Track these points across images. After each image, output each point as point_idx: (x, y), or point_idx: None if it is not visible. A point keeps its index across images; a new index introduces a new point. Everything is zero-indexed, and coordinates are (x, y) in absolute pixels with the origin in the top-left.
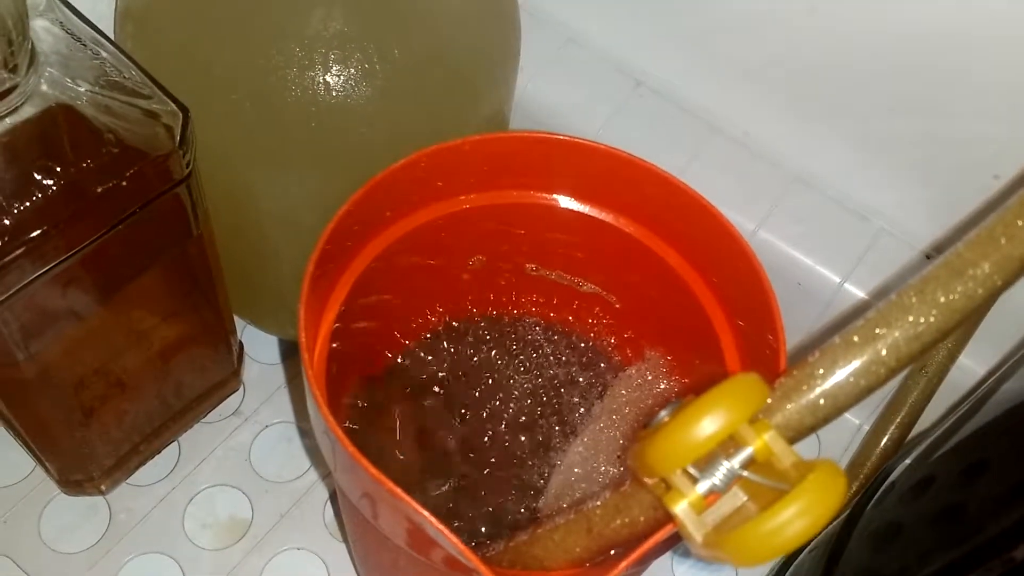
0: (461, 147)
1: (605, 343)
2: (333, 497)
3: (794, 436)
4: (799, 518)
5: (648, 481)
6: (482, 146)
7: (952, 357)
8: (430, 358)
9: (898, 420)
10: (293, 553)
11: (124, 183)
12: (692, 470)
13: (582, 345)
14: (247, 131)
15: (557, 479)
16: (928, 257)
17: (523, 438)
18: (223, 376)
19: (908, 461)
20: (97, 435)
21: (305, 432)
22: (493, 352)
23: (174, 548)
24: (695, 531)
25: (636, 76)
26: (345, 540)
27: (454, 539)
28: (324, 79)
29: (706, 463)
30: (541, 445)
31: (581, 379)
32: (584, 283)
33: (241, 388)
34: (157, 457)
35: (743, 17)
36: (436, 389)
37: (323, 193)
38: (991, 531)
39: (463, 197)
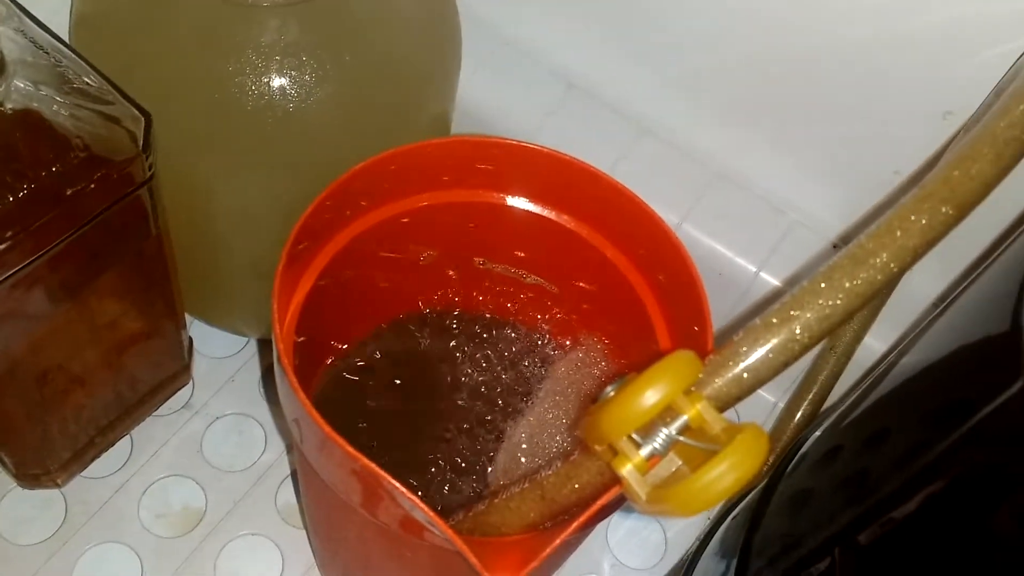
0: (425, 148)
1: (548, 330)
2: (286, 483)
3: (722, 406)
4: (730, 472)
5: (597, 449)
6: (443, 148)
7: (858, 338)
8: (387, 348)
9: (810, 397)
10: (247, 539)
11: (92, 187)
12: (636, 437)
13: (527, 333)
14: (203, 135)
15: (505, 457)
16: (835, 247)
17: (475, 421)
18: (175, 370)
19: (818, 433)
20: (56, 429)
21: (257, 421)
22: (446, 341)
23: (130, 538)
24: (640, 490)
25: (569, 78)
26: (299, 525)
27: (424, 508)
28: (279, 85)
29: (647, 431)
30: (491, 427)
31: (526, 363)
32: (528, 275)
33: (191, 382)
34: (111, 450)
35: (670, 24)
36: (393, 378)
37: (277, 194)
38: (889, 489)
39: (425, 195)
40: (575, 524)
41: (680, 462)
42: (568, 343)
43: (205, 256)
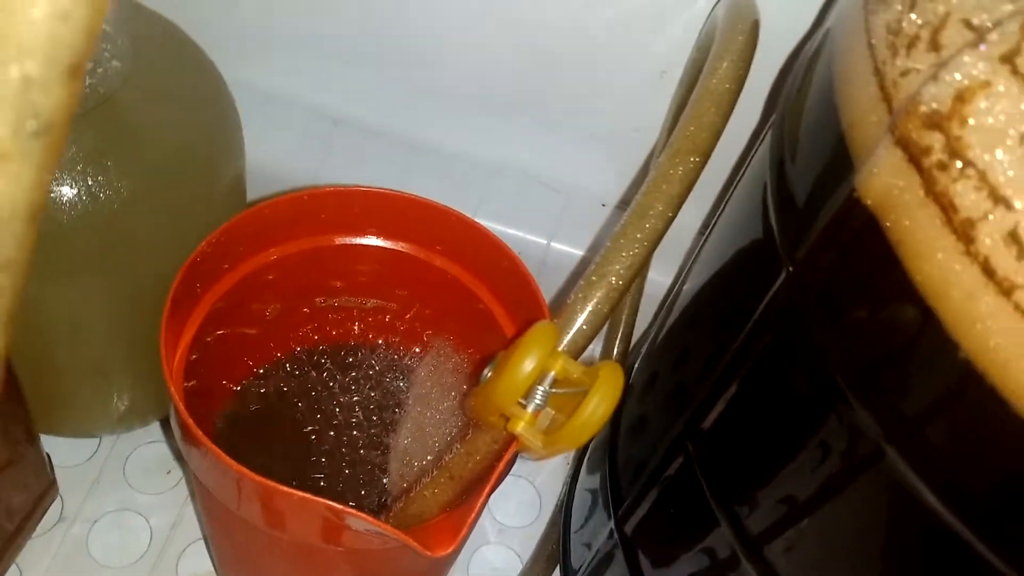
0: (262, 210)
1: (399, 342)
2: (185, 554)
3: (575, 356)
4: (602, 402)
5: (491, 420)
6: (271, 208)
7: (644, 276)
8: (271, 387)
9: (619, 336)
10: None
11: None
12: (521, 400)
13: (384, 350)
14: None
15: (397, 464)
16: (617, 208)
17: (360, 441)
18: (42, 489)
19: (637, 364)
20: None
21: (134, 511)
22: (320, 374)
23: None
24: (535, 439)
25: (334, 115)
26: None
27: (359, 514)
28: (70, 196)
29: (527, 393)
30: (376, 442)
31: (388, 377)
32: (368, 300)
33: (59, 495)
34: None
35: (414, 43)
36: (280, 415)
37: (99, 298)
38: (704, 393)
39: (272, 249)
40: (488, 487)
41: (554, 412)
42: (419, 349)
43: (41, 370)
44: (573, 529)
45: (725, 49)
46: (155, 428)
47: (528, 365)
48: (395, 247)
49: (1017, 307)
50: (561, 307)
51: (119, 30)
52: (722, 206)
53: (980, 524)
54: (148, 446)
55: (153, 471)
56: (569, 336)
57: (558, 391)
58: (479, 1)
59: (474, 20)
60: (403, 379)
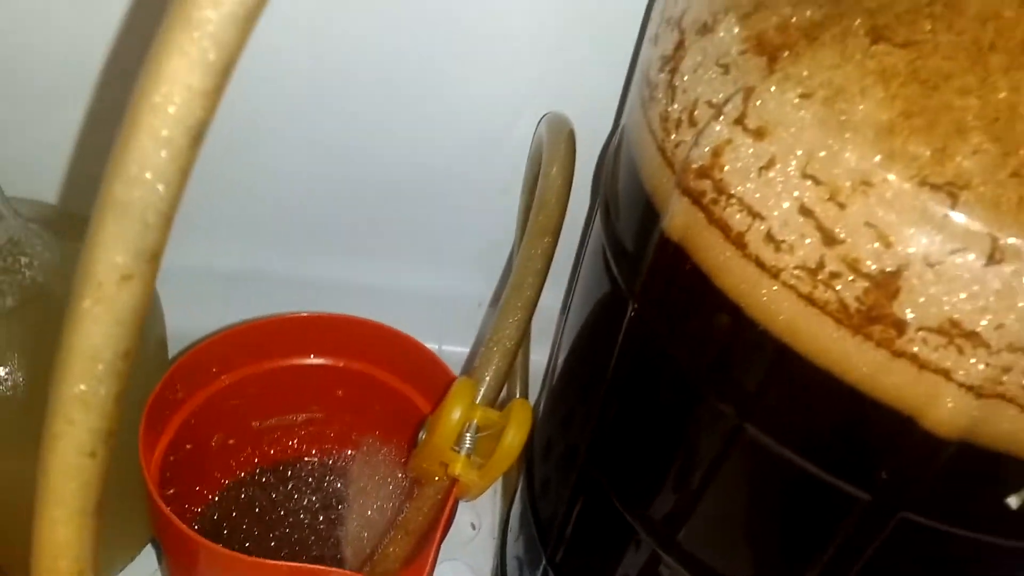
0: (209, 345)
1: (332, 448)
2: None
3: (491, 404)
4: (519, 431)
5: (431, 472)
6: (215, 344)
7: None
8: (230, 503)
9: (518, 381)
10: None
11: None
12: (454, 448)
13: (319, 458)
14: None
15: (351, 551)
16: (491, 305)
17: (315, 542)
18: None
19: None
20: None
21: None
22: (266, 489)
23: None
24: (471, 473)
25: (224, 273)
26: None
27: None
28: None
29: (458, 440)
30: (329, 539)
31: (327, 480)
32: (297, 415)
33: None
34: None
35: (297, 195)
36: (242, 526)
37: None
38: (591, 425)
39: (224, 376)
40: (438, 534)
41: (480, 460)
42: (350, 449)
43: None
44: None
45: (553, 157)
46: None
47: (456, 413)
48: (324, 362)
49: (784, 284)
50: (470, 370)
51: (46, 227)
52: (576, 278)
53: (821, 458)
54: None
55: None
56: (482, 391)
57: (484, 433)
58: (339, 150)
59: (337, 166)
60: (340, 477)
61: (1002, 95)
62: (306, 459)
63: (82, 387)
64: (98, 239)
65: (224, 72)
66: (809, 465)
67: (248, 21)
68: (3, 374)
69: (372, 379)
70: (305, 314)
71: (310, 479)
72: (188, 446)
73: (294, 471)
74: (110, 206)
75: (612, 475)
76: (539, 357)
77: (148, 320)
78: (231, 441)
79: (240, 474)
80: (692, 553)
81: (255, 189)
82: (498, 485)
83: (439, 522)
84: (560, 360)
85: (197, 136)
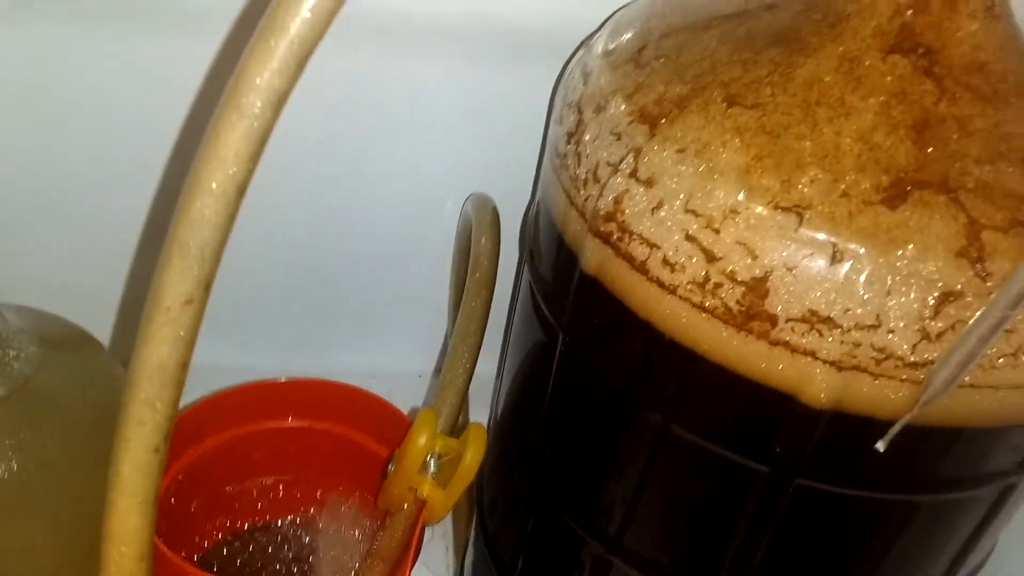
0: (194, 411)
1: (299, 506)
2: None
3: (450, 431)
4: (477, 452)
5: (402, 494)
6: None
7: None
8: (216, 561)
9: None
10: None
11: None
12: (420, 473)
13: (288, 518)
14: None
15: None
16: (433, 375)
17: None
18: None
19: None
20: None
21: None
22: (242, 550)
23: None
24: (438, 493)
25: None
26: None
27: None
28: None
29: (423, 466)
30: None
31: (298, 535)
32: (266, 478)
33: None
34: None
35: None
36: None
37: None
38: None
39: (193, 447)
40: (411, 553)
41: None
42: (316, 507)
43: None
44: None
45: (481, 228)
46: None
47: (423, 439)
48: (295, 424)
49: (681, 297)
50: (429, 407)
51: (34, 326)
52: (508, 336)
53: (729, 441)
54: None
55: None
56: (440, 422)
57: (445, 458)
58: (278, 243)
59: (276, 258)
60: (309, 533)
61: (828, 138)
62: (279, 520)
63: (151, 393)
64: (166, 272)
65: (262, 142)
66: (721, 449)
67: (279, 105)
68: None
69: (336, 435)
70: (284, 380)
71: (285, 536)
72: (170, 506)
73: (268, 531)
74: (175, 246)
75: (559, 492)
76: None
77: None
78: (208, 505)
79: (217, 536)
80: (638, 551)
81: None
82: (450, 543)
83: (411, 546)
84: (502, 401)
85: (241, 191)
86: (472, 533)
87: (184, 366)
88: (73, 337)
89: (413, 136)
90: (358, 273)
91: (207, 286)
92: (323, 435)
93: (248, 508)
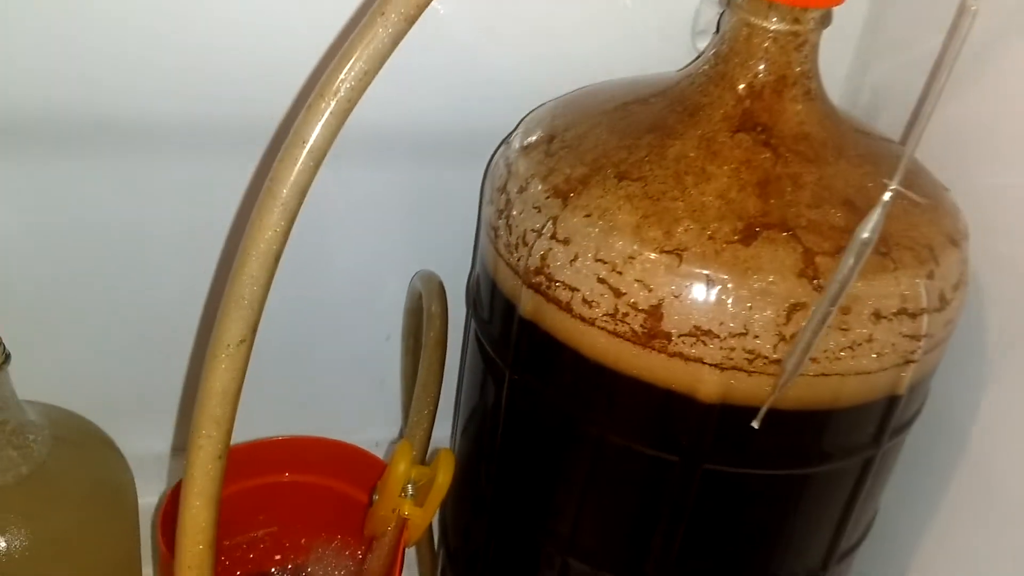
0: None
1: (289, 554)
2: None
3: (422, 460)
4: (446, 475)
5: (386, 515)
6: None
7: None
8: None
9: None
10: None
11: None
12: (400, 496)
13: (278, 569)
14: None
15: None
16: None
17: None
18: None
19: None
20: None
21: None
22: None
23: None
24: (417, 512)
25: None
26: None
27: None
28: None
29: (403, 489)
30: None
31: None
32: (255, 531)
33: None
34: None
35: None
36: None
37: None
38: (494, 469)
39: None
40: (397, 567)
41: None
42: (303, 556)
43: None
44: None
45: (430, 298)
46: None
47: (403, 466)
48: (291, 479)
49: (599, 327)
50: (404, 441)
51: (43, 419)
52: (463, 374)
53: (647, 438)
54: None
55: None
56: (415, 453)
57: (419, 483)
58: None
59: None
60: None
61: (695, 198)
62: (272, 568)
63: (217, 410)
64: (225, 318)
65: (292, 218)
66: (642, 447)
67: (302, 194)
68: (19, 534)
69: (320, 486)
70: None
71: None
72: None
73: None
74: (232, 299)
75: (516, 505)
76: None
77: (126, 492)
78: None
79: None
80: (589, 549)
81: (158, 371)
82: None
83: (397, 560)
84: (459, 437)
85: (278, 257)
86: (439, 553)
87: (238, 392)
88: (82, 429)
89: (359, 221)
90: (314, 352)
91: (255, 329)
92: (310, 487)
93: (241, 560)
